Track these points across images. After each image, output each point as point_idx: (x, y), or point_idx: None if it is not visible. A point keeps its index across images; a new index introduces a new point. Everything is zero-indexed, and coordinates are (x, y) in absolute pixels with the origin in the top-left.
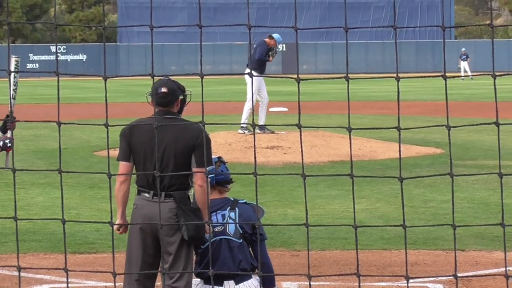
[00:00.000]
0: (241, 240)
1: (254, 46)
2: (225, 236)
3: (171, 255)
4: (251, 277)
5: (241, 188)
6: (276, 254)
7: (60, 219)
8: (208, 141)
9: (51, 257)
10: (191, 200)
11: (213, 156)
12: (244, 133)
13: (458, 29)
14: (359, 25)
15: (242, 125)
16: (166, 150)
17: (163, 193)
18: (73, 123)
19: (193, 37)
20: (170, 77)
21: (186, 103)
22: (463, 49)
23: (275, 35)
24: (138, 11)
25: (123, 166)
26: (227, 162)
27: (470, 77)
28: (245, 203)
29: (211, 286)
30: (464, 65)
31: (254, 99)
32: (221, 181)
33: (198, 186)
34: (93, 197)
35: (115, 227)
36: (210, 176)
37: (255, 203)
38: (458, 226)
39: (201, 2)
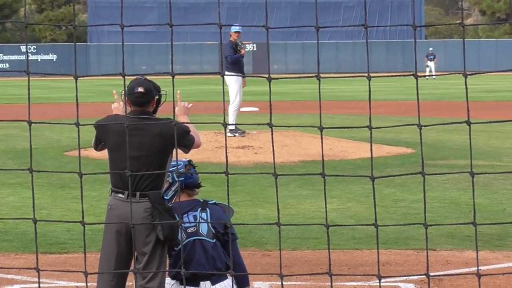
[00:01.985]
0: (215, 240)
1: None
2: (199, 237)
3: (145, 255)
4: (227, 277)
5: (212, 188)
6: (247, 254)
7: (31, 219)
8: (185, 129)
9: (22, 257)
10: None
11: (183, 159)
12: (234, 135)
13: (428, 29)
14: (329, 25)
15: (230, 127)
16: (141, 150)
17: (138, 193)
18: (44, 123)
19: (163, 37)
20: (146, 77)
21: (161, 103)
22: (431, 49)
23: (231, 28)
24: (109, 10)
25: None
26: (197, 166)
27: (434, 77)
28: (215, 203)
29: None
30: (431, 65)
31: (237, 99)
32: (190, 184)
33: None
34: (64, 197)
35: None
36: (180, 179)
37: (224, 203)
38: (430, 225)
39: (171, 2)
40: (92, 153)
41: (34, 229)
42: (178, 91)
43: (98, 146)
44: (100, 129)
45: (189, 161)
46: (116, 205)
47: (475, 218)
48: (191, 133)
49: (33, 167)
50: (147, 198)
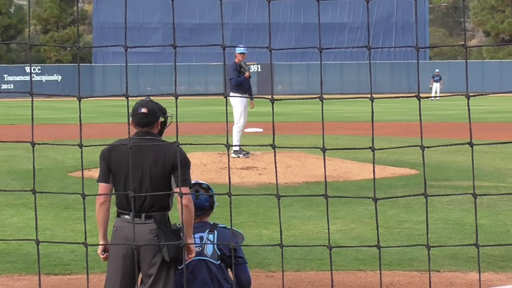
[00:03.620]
0: (219, 262)
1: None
2: (202, 257)
3: (151, 276)
4: None
5: (216, 209)
6: (251, 275)
7: (34, 240)
8: (187, 162)
9: (25, 278)
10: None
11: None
12: (238, 156)
13: (432, 50)
14: (334, 46)
15: (235, 148)
16: (145, 171)
17: (143, 215)
18: (47, 144)
19: (168, 58)
20: (151, 98)
21: (167, 125)
22: (437, 70)
23: (236, 49)
24: (113, 31)
25: (102, 187)
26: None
27: (437, 98)
28: (225, 227)
29: None
30: (436, 86)
31: (242, 120)
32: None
33: (184, 206)
34: (68, 218)
35: (99, 250)
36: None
37: (235, 229)
38: (433, 247)
39: (176, 23)
40: (95, 174)
41: (37, 250)
42: None
43: (107, 178)
44: (106, 154)
45: (196, 183)
46: (121, 227)
47: (477, 240)
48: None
49: (37, 187)
50: (152, 219)
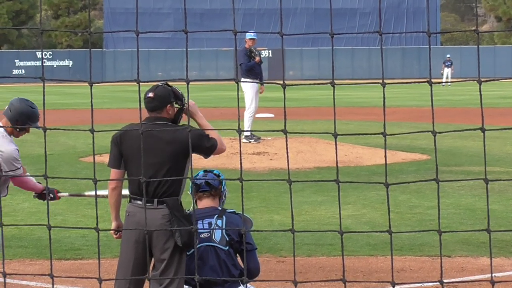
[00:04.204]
0: (227, 247)
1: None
2: (211, 243)
3: (163, 261)
4: (240, 285)
5: (227, 194)
6: (262, 260)
7: (46, 225)
8: (201, 133)
9: (36, 263)
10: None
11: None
12: (249, 142)
13: (443, 35)
14: (345, 31)
15: (246, 134)
16: (157, 156)
17: (155, 200)
18: (59, 129)
19: (179, 43)
20: (168, 83)
21: (184, 111)
22: (448, 56)
23: (246, 35)
24: (124, 17)
25: (113, 173)
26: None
27: (449, 84)
28: (234, 212)
29: None
30: (447, 71)
31: (253, 105)
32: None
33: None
34: (79, 203)
35: (111, 231)
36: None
37: (244, 214)
38: (444, 232)
39: (187, 8)
40: (107, 159)
41: (49, 235)
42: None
43: (118, 163)
44: (118, 139)
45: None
46: (134, 212)
47: (489, 225)
48: (211, 137)
49: (48, 173)
50: (164, 204)
